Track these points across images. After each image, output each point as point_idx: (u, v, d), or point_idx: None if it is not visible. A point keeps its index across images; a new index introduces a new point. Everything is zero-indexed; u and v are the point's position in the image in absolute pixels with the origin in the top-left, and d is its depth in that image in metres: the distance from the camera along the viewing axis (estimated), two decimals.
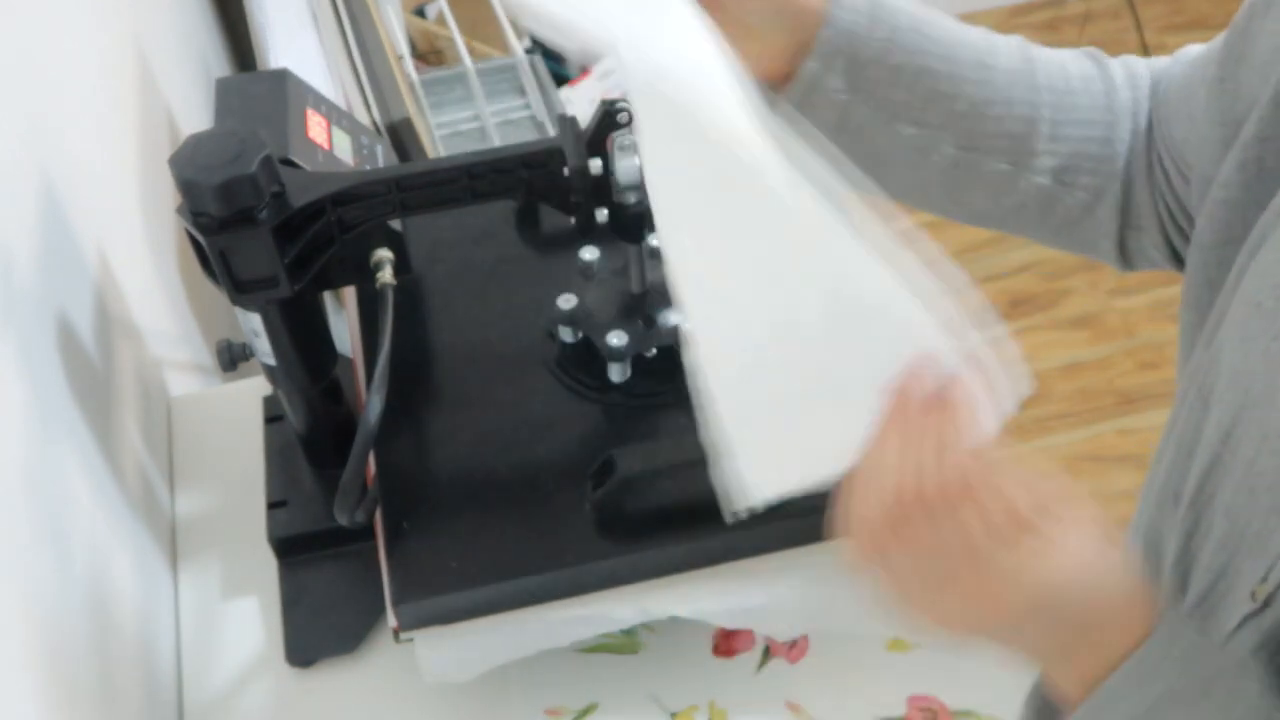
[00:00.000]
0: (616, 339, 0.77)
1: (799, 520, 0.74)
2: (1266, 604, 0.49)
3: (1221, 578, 0.52)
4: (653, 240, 0.84)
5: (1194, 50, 0.65)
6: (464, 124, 2.03)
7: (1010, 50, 0.65)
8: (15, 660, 0.55)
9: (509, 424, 0.78)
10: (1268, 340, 0.50)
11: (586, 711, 0.77)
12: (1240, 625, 0.50)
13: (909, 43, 0.63)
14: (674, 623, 0.74)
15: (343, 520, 0.68)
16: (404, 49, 2.04)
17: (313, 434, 0.83)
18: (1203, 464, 0.54)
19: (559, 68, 2.54)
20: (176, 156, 0.65)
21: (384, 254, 0.72)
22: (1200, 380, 0.55)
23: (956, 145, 0.64)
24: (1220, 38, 0.62)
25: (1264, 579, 0.49)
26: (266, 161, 0.65)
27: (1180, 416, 0.58)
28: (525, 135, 2.07)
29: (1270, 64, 0.56)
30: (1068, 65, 0.66)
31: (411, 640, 0.73)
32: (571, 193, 0.71)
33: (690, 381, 0.54)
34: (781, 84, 0.64)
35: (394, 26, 2.02)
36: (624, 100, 0.69)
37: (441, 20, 2.18)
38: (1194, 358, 0.58)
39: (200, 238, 0.66)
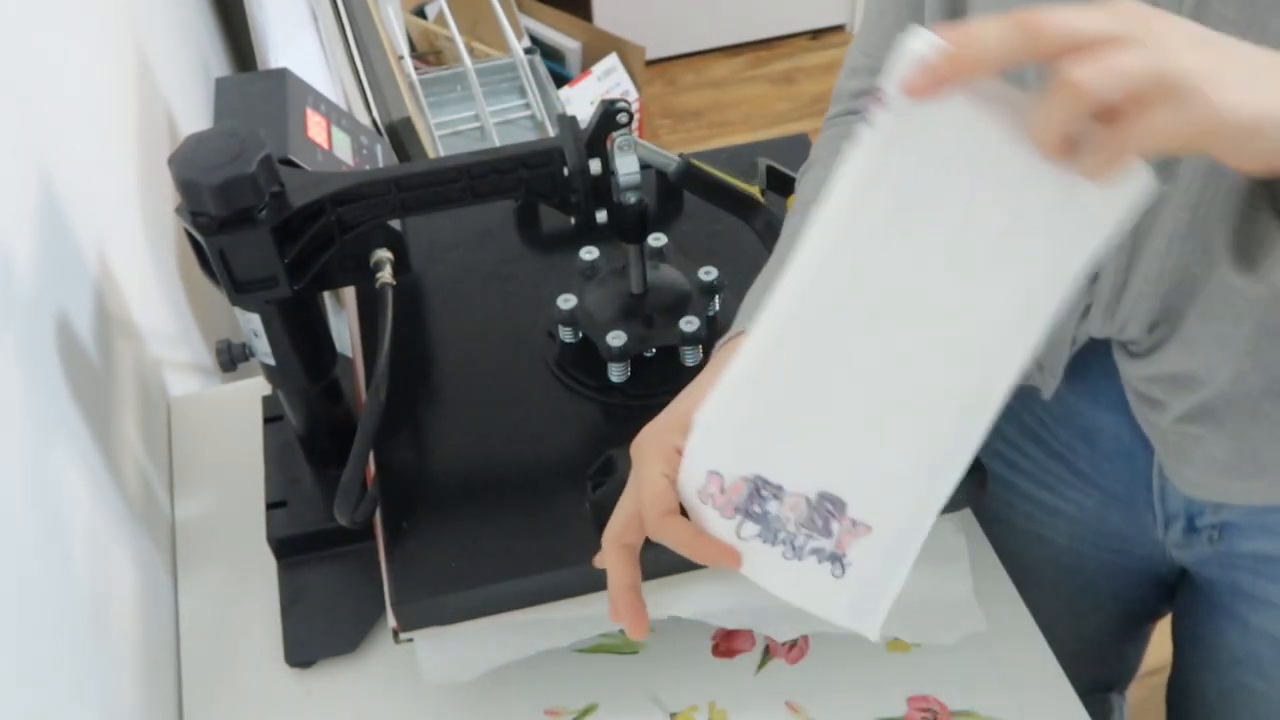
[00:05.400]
0: (616, 339, 0.77)
1: None
2: None
3: None
4: (652, 240, 0.84)
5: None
6: (464, 124, 2.04)
7: None
8: (14, 659, 0.55)
9: (509, 424, 0.78)
10: None
11: (586, 711, 0.77)
12: None
13: None
14: (674, 623, 0.74)
15: (342, 520, 0.68)
16: (404, 49, 2.05)
17: (312, 434, 0.83)
18: None
19: (559, 68, 2.54)
20: (176, 156, 0.65)
21: (384, 254, 0.72)
22: None
23: None
24: None
25: None
26: (266, 161, 0.65)
27: None
28: (525, 135, 2.08)
29: None
30: None
31: (411, 640, 0.73)
32: (571, 193, 0.71)
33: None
34: None
35: (394, 26, 2.02)
36: (623, 100, 0.69)
37: (441, 20, 2.18)
38: None
39: (200, 238, 0.66)
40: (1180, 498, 0.78)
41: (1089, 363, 0.77)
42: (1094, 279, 0.71)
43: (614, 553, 0.60)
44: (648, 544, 0.72)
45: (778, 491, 0.55)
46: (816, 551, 0.55)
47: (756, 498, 0.55)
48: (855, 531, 0.55)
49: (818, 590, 0.56)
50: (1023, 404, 0.86)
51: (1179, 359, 0.69)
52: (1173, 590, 0.94)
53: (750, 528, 0.56)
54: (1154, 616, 1.00)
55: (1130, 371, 0.73)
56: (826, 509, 0.54)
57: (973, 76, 0.46)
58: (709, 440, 0.56)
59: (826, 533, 0.55)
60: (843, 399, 0.53)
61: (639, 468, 0.60)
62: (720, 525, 0.56)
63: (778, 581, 0.57)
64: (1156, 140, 0.44)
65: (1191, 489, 0.74)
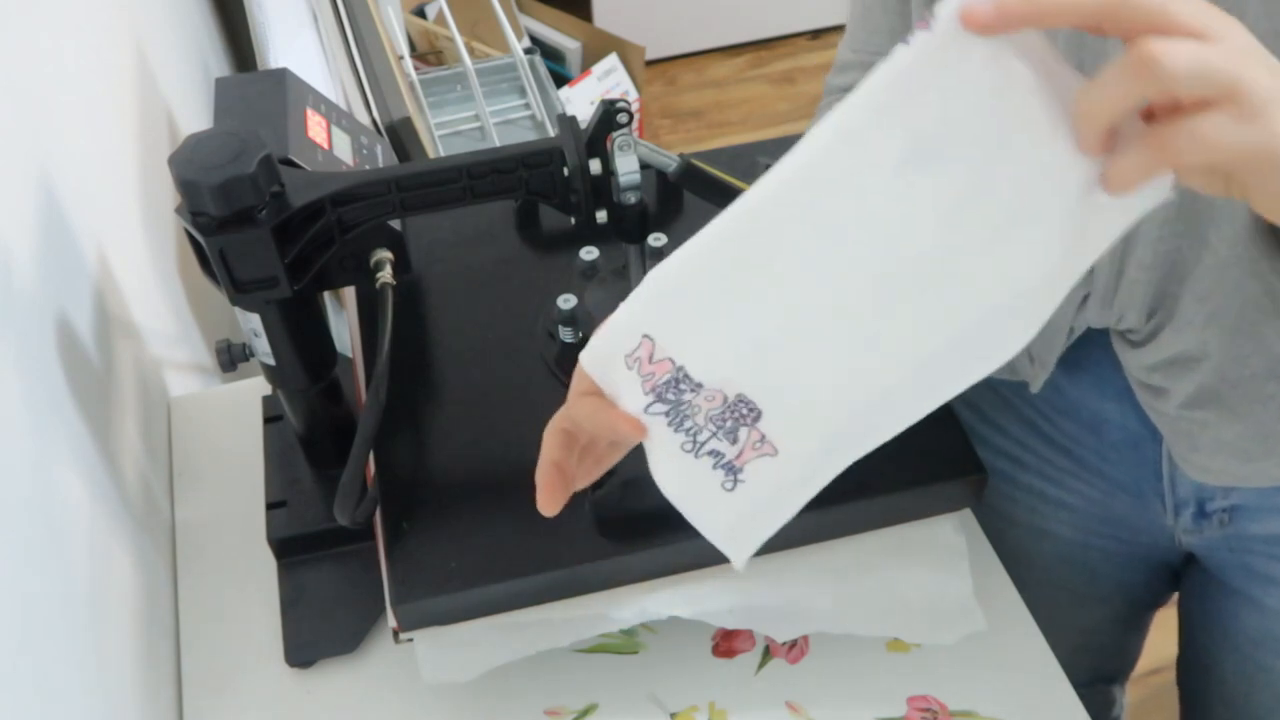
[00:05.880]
0: None
1: (798, 520, 0.74)
2: None
3: None
4: (652, 240, 0.84)
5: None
6: (464, 124, 2.04)
7: None
8: (14, 660, 0.55)
9: (509, 424, 0.78)
10: None
11: (586, 711, 0.77)
12: None
13: None
14: (674, 623, 0.74)
15: (343, 520, 0.68)
16: (404, 49, 2.05)
17: (312, 434, 0.83)
18: None
19: (559, 68, 2.54)
20: (176, 156, 0.65)
21: (384, 254, 0.72)
22: None
23: None
24: None
25: None
26: (266, 161, 0.65)
27: None
28: (525, 135, 2.08)
29: None
30: None
31: (411, 640, 0.73)
32: (571, 193, 0.71)
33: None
34: None
35: (394, 26, 2.02)
36: (623, 100, 0.69)
37: (441, 20, 2.19)
38: None
39: (200, 238, 0.66)
40: (1190, 484, 0.78)
41: (1090, 353, 0.77)
42: (1090, 269, 0.71)
43: (548, 435, 0.60)
44: (648, 543, 0.72)
45: (696, 387, 0.53)
46: (714, 454, 0.53)
47: (674, 387, 0.53)
48: (760, 449, 0.53)
49: (703, 498, 0.54)
50: (1022, 398, 0.86)
51: (1178, 343, 0.69)
52: (1177, 576, 0.94)
53: (659, 407, 0.54)
54: (1156, 604, 1.00)
55: (1131, 360, 0.73)
56: (741, 412, 0.53)
57: (1042, 23, 0.42)
58: (657, 300, 0.53)
59: (732, 438, 0.53)
60: (793, 310, 0.50)
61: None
62: (635, 399, 0.54)
63: (669, 472, 0.55)
64: (1204, 151, 0.41)
65: (1202, 474, 0.74)
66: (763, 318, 0.51)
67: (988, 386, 0.89)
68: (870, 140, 0.46)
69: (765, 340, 0.52)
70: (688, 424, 0.54)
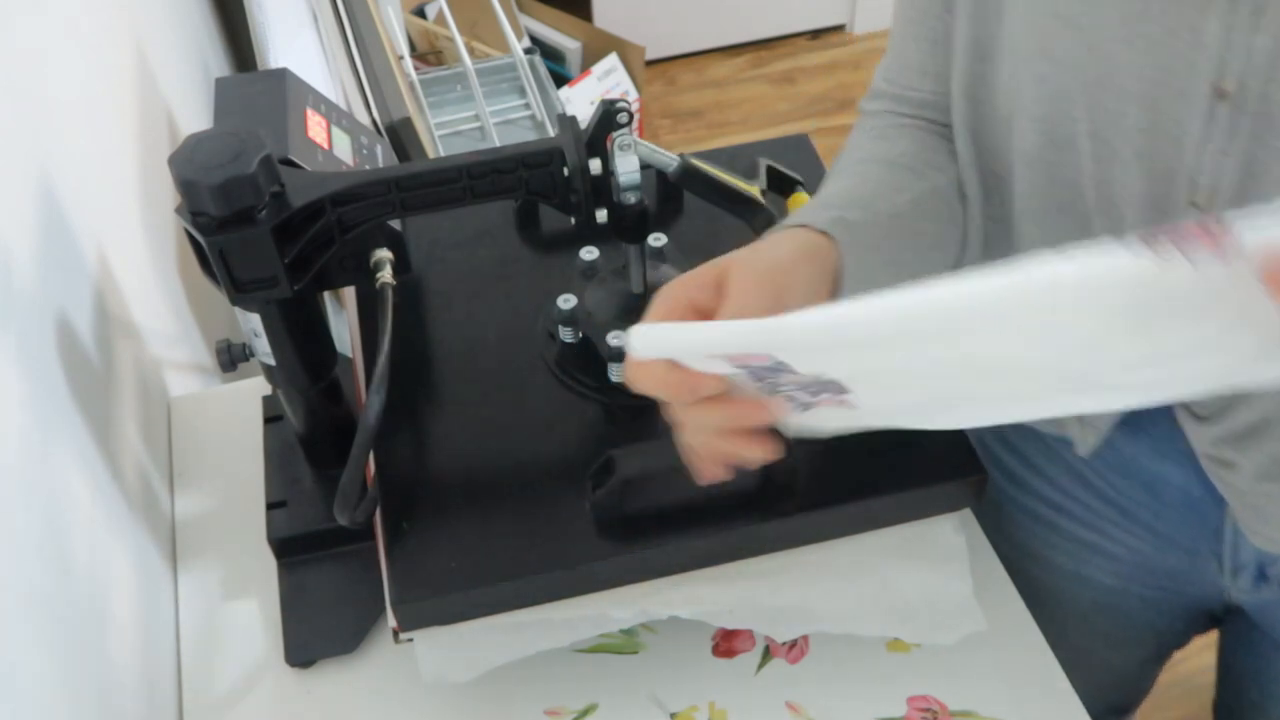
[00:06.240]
0: (616, 339, 0.77)
1: (799, 520, 0.74)
2: None
3: None
4: (652, 240, 0.84)
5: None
6: (464, 124, 2.04)
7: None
8: (15, 660, 0.55)
9: (509, 424, 0.78)
10: None
11: (586, 711, 0.77)
12: None
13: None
14: (674, 623, 0.74)
15: (342, 520, 0.68)
16: (404, 49, 2.05)
17: (312, 434, 0.83)
18: None
19: (559, 68, 2.54)
20: (176, 156, 0.65)
21: (384, 254, 0.72)
22: None
23: None
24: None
25: None
26: (266, 161, 0.65)
27: None
28: (525, 135, 2.08)
29: None
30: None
31: (411, 640, 0.73)
32: (571, 193, 0.71)
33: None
34: None
35: (394, 26, 2.02)
36: (623, 100, 0.69)
37: (441, 20, 2.19)
38: None
39: (199, 237, 0.66)
40: (1253, 548, 0.76)
41: (1150, 414, 0.75)
42: None
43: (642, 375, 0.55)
44: (648, 543, 0.72)
45: (794, 375, 0.54)
46: (791, 399, 0.55)
47: (768, 371, 0.53)
48: (839, 402, 0.55)
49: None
50: (1071, 449, 0.84)
51: (1249, 416, 0.67)
52: (1214, 620, 0.92)
53: (745, 373, 0.54)
54: (1184, 645, 0.98)
55: (1197, 434, 0.71)
56: (831, 388, 0.54)
57: None
58: (788, 340, 0.51)
59: (814, 394, 0.55)
60: (914, 378, 0.52)
61: (647, 314, 0.57)
62: (719, 367, 0.54)
63: None
64: None
65: (1268, 544, 0.73)
66: (883, 376, 0.53)
67: (1034, 434, 0.87)
68: (1097, 328, 0.45)
69: (873, 379, 0.53)
70: (767, 381, 0.55)
